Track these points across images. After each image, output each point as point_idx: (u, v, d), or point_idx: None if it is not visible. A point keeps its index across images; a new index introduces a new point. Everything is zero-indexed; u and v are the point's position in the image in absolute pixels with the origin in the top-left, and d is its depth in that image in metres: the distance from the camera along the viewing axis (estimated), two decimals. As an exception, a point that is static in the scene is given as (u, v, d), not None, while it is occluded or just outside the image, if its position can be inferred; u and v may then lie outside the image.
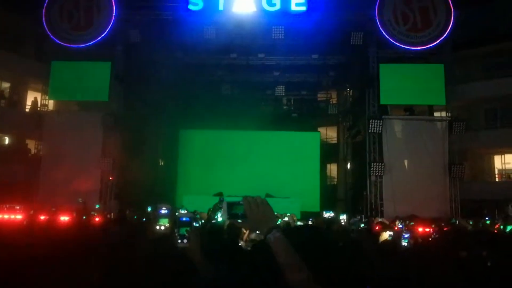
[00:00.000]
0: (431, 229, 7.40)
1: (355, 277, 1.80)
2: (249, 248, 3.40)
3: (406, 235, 4.98)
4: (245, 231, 3.91)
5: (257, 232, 1.80)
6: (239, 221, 1.76)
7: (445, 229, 8.11)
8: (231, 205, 1.76)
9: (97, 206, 13.69)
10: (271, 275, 1.66)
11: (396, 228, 6.92)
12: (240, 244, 3.77)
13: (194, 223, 2.24)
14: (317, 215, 16.01)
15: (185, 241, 2.04)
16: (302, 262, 1.63)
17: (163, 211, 2.32)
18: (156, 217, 2.32)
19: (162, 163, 22.01)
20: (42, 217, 9.02)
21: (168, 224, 2.27)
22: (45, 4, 15.93)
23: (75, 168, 14.99)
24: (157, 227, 2.26)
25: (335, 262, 1.78)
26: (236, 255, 2.48)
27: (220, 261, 2.22)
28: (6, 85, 19.42)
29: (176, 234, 2.05)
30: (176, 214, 2.20)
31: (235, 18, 15.47)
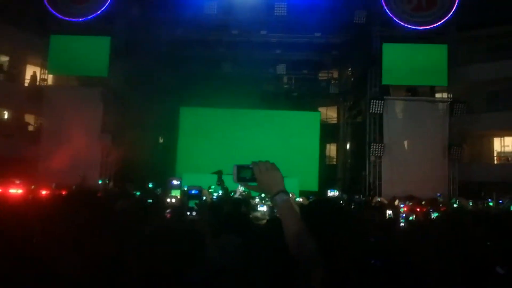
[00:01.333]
0: (429, 209, 7.45)
1: (361, 251, 1.82)
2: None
3: (403, 215, 5.04)
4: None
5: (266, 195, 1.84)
6: (249, 184, 1.81)
7: (442, 209, 8.17)
8: (240, 169, 1.80)
9: (99, 182, 13.72)
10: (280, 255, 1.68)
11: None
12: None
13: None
14: (320, 194, 16.16)
15: (194, 213, 2.07)
16: (305, 226, 1.66)
17: (175, 182, 2.34)
18: (169, 188, 2.35)
19: (162, 140, 22.01)
20: (43, 192, 9.04)
21: (179, 196, 2.30)
22: (44, -24, 15.62)
23: (75, 143, 14.97)
24: (168, 200, 2.28)
25: (344, 234, 1.80)
26: (244, 230, 2.49)
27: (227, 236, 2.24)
28: (4, 58, 19.23)
29: (186, 207, 2.08)
30: (185, 187, 2.22)
31: (237, -7, 15.22)
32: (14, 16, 18.39)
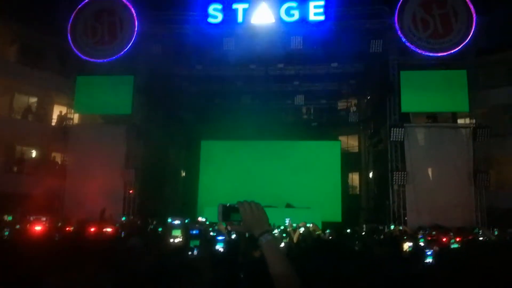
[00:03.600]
0: (453, 239, 7.21)
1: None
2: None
3: (429, 252, 4.82)
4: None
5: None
6: (234, 223, 1.85)
7: (469, 237, 7.90)
8: (225, 208, 1.85)
9: (123, 219, 13.85)
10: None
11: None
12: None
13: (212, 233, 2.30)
14: (343, 225, 15.83)
15: (195, 252, 2.11)
16: (289, 265, 1.70)
17: (176, 222, 2.39)
18: (169, 228, 2.40)
19: (183, 174, 22.25)
20: (67, 229, 9.23)
21: (181, 236, 2.34)
22: (70, 21, 16.48)
23: (99, 179, 15.31)
24: (171, 240, 2.34)
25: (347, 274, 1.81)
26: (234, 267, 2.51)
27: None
28: (33, 99, 20.10)
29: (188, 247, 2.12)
30: (188, 226, 2.27)
31: (253, 29, 15.64)
32: (41, 59, 19.38)
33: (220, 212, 1.84)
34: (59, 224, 11.26)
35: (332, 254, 1.82)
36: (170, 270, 2.04)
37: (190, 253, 2.05)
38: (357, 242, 6.13)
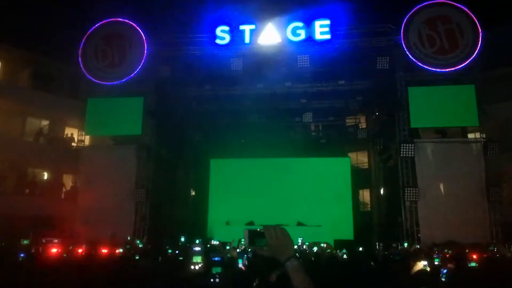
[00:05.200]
0: (469, 257, 7.10)
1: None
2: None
3: (444, 271, 4.76)
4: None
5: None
6: (261, 248, 1.88)
7: (484, 255, 7.78)
8: (252, 234, 1.89)
9: (137, 242, 13.77)
10: None
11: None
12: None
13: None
14: (355, 243, 15.66)
15: (217, 280, 2.14)
16: None
17: (197, 248, 2.42)
18: (190, 254, 2.42)
19: (193, 193, 22.28)
20: (79, 251, 9.27)
21: (201, 262, 2.36)
22: (80, 45, 16.85)
23: (110, 200, 15.42)
24: (192, 267, 2.36)
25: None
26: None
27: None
28: (45, 122, 20.42)
29: (209, 274, 2.15)
30: (209, 253, 2.30)
31: (261, 49, 15.85)
32: (52, 83, 19.80)
33: (246, 237, 1.87)
34: (70, 247, 11.31)
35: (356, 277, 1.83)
36: None
37: (212, 280, 2.08)
38: (372, 262, 6.06)
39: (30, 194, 18.88)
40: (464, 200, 14.45)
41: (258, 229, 1.88)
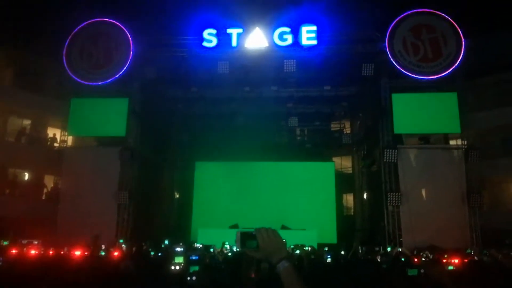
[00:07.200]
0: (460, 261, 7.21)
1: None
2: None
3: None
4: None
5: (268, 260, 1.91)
6: (252, 250, 1.88)
7: (465, 260, 7.91)
8: (244, 236, 1.88)
9: (120, 241, 13.69)
10: None
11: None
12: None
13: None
14: (338, 246, 15.78)
15: (194, 278, 2.14)
16: None
17: (178, 249, 2.42)
18: (172, 255, 2.42)
19: (177, 196, 22.15)
20: (62, 252, 9.13)
21: (182, 262, 2.37)
22: (65, 45, 16.60)
23: (93, 202, 15.22)
24: (172, 267, 2.36)
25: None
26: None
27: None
28: (26, 122, 20.05)
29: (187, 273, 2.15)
30: (187, 252, 2.30)
31: (247, 53, 15.88)
32: (36, 82, 19.46)
33: (239, 240, 1.86)
34: (51, 248, 11.13)
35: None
36: None
37: (189, 278, 2.07)
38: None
39: (11, 194, 18.52)
40: (445, 206, 14.71)
41: (250, 231, 1.88)
